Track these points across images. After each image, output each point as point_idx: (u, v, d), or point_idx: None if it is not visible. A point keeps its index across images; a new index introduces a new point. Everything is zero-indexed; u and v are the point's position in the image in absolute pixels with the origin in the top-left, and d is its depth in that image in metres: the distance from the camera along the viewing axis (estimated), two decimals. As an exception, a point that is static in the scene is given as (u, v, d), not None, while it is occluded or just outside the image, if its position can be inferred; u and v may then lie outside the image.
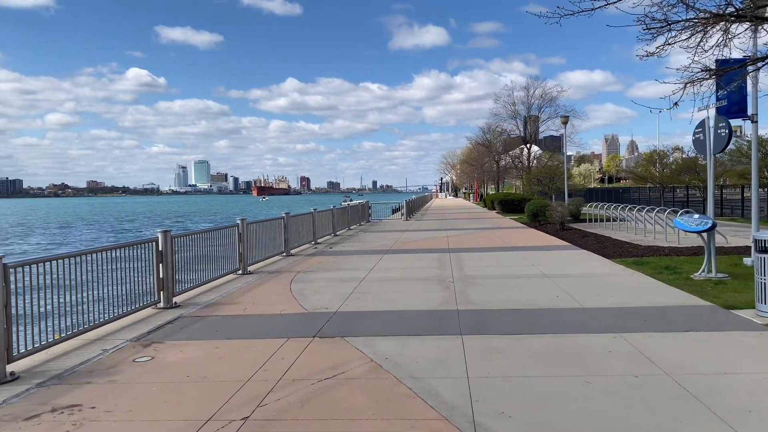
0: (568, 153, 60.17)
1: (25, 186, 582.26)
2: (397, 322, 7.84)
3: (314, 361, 6.06)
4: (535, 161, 54.41)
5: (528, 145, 55.19)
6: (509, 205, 39.53)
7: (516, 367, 5.75)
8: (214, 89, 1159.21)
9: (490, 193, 68.40)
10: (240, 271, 12.51)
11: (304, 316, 8.28)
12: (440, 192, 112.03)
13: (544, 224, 25.41)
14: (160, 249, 9.05)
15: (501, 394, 5.00)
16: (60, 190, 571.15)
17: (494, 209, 44.04)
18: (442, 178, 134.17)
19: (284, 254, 15.79)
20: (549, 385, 5.20)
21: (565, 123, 34.46)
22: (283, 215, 16.09)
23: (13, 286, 5.83)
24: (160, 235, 9.14)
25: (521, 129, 55.76)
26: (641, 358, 5.95)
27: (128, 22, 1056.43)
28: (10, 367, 5.71)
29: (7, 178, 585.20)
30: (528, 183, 47.27)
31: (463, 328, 7.29)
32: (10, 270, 5.78)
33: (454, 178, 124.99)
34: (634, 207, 23.27)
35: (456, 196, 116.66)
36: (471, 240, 19.83)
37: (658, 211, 20.36)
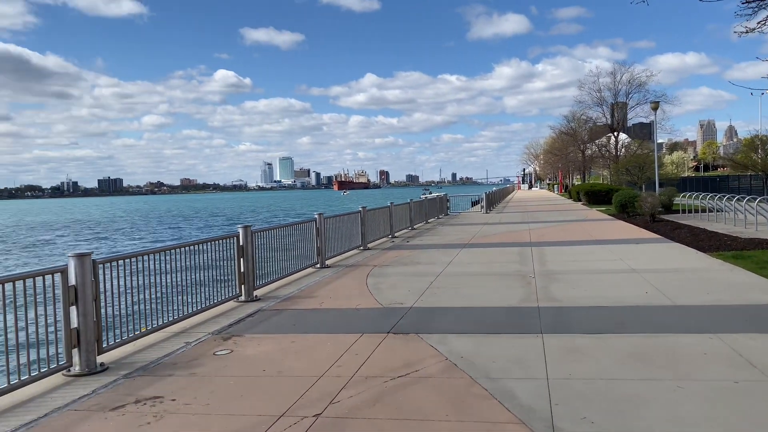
0: (659, 140, 57.14)
1: (125, 184, 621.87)
2: (474, 319, 7.63)
3: (388, 358, 5.98)
4: (623, 150, 52.01)
5: (615, 133, 52.79)
6: (595, 196, 37.98)
7: (600, 368, 5.42)
8: (296, 87, 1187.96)
9: (575, 183, 66.08)
10: (318, 265, 12.67)
11: (379, 311, 8.23)
12: (522, 183, 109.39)
13: (633, 216, 24.20)
14: (240, 244, 9.27)
15: (583, 398, 4.72)
16: (156, 188, 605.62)
17: (579, 200, 42.49)
18: (524, 169, 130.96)
19: (361, 248, 15.86)
20: (636, 389, 4.86)
21: (655, 109, 32.66)
22: (360, 209, 16.16)
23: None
24: (240, 230, 9.36)
25: (608, 116, 53.38)
26: (741, 361, 5.46)
27: (215, 26, 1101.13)
28: (100, 358, 5.99)
29: (109, 177, 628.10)
30: (615, 173, 45.28)
31: (543, 327, 6.99)
32: (99, 265, 6.06)
33: (537, 168, 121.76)
34: (733, 197, 21.67)
35: (539, 187, 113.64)
36: (554, 233, 19.18)
37: (760, 201, 18.85)
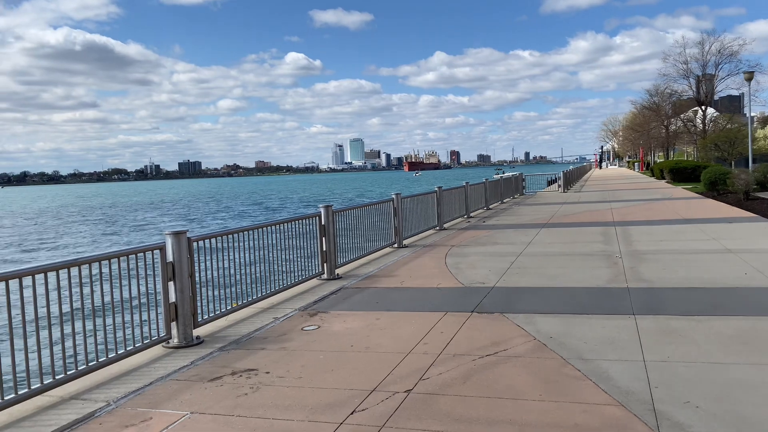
0: (753, 113, 53.51)
1: (203, 167, 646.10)
2: (560, 299, 7.45)
3: (474, 337, 5.93)
4: (711, 124, 49.10)
5: (703, 107, 49.87)
6: (681, 174, 36.12)
7: (700, 352, 5.16)
8: (365, 68, 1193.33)
9: (658, 161, 63.09)
10: (395, 245, 12.72)
11: (460, 291, 8.18)
12: (600, 162, 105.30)
13: (724, 194, 22.85)
14: (322, 223, 9.43)
15: (684, 381, 4.51)
16: (232, 170, 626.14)
17: (663, 178, 40.57)
18: (602, 147, 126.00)
19: (437, 228, 15.79)
20: (742, 374, 4.59)
21: (749, 79, 30.61)
22: (436, 189, 16.06)
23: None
24: (322, 210, 9.51)
25: (694, 89, 50.47)
26: None
27: (285, 9, 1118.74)
28: (195, 332, 6.26)
29: (188, 160, 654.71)
30: (703, 149, 42.88)
31: (635, 307, 6.73)
32: (194, 243, 6.30)
33: (615, 146, 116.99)
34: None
35: (618, 165, 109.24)
36: (638, 212, 18.40)
37: None
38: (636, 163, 79.14)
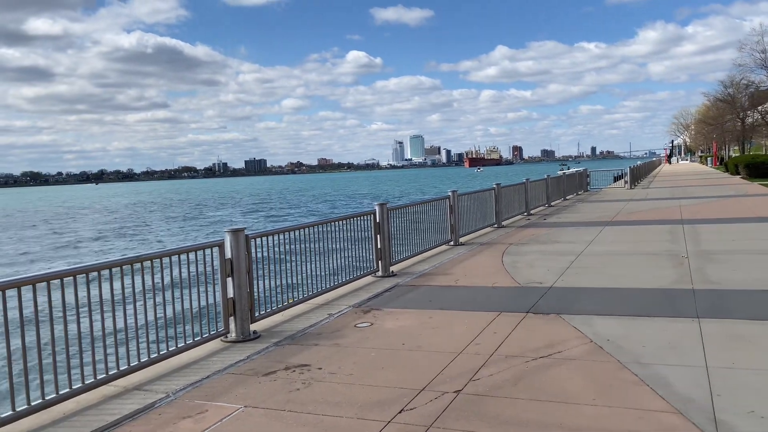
0: (839, 104, 50.08)
1: (268, 165, 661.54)
2: (620, 300, 7.22)
3: (528, 338, 5.83)
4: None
5: (783, 98, 47.01)
6: (758, 169, 34.22)
7: (769, 359, 4.90)
8: (425, 65, 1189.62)
9: (733, 155, 59.98)
10: (451, 243, 12.65)
11: (516, 290, 8.05)
12: (670, 156, 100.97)
13: (805, 190, 21.51)
14: (377, 220, 9.48)
15: (749, 390, 4.29)
16: (296, 168, 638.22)
17: (738, 174, 38.55)
18: (672, 141, 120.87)
19: (495, 226, 15.59)
20: (816, 385, 4.32)
21: (835, 68, 28.56)
22: (494, 186, 15.85)
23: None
24: (377, 208, 9.57)
25: (774, 79, 47.58)
26: None
27: (346, 7, 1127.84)
28: (253, 327, 6.44)
29: (254, 158, 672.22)
30: (783, 142, 40.42)
31: (699, 310, 6.44)
32: (252, 240, 6.48)
33: (687, 140, 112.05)
34: None
35: (690, 160, 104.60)
36: (709, 210, 17.58)
37: None
38: (709, 158, 75.56)
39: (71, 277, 4.64)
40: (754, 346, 5.23)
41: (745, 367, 4.75)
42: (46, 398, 4.36)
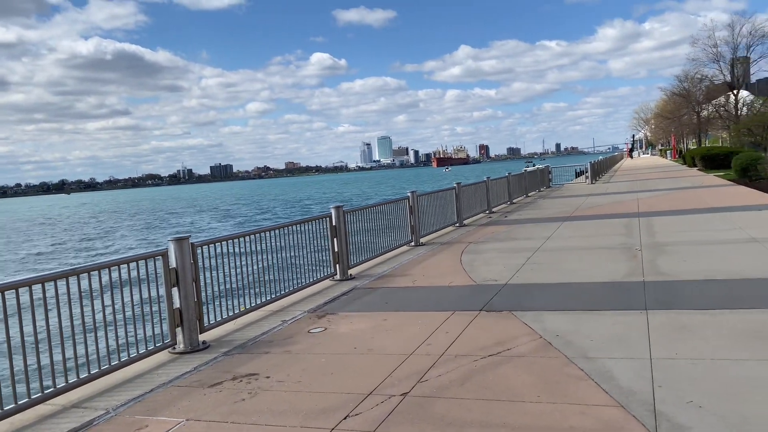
0: (788, 96, 51.75)
1: (234, 170, 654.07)
2: (573, 295, 7.29)
3: (479, 336, 5.83)
4: (744, 109, 47.62)
5: (735, 91, 48.39)
6: (713, 161, 35.15)
7: (710, 348, 4.98)
8: (390, 65, 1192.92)
9: (690, 148, 61.53)
10: (412, 243, 12.63)
11: (472, 289, 8.07)
12: (631, 151, 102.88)
13: (757, 180, 22.14)
14: (333, 224, 9.40)
15: (689, 380, 4.35)
16: (263, 172, 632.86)
17: (695, 166, 39.57)
18: (633, 136, 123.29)
19: (457, 225, 15.65)
20: (751, 371, 4.41)
21: (781, 61, 29.49)
22: (455, 185, 15.91)
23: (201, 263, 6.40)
24: (333, 211, 9.49)
25: (726, 74, 48.99)
26: None
27: (308, 10, 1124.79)
28: (202, 337, 6.30)
29: (219, 164, 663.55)
30: (736, 134, 41.64)
31: (648, 302, 6.54)
32: (198, 248, 6.34)
33: (647, 134, 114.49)
34: None
35: (650, 153, 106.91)
36: (665, 202, 17.95)
37: None
38: (668, 151, 77.38)
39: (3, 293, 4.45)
40: (695, 335, 5.32)
41: (686, 357, 4.82)
42: (-25, 421, 4.18)
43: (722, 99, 50.46)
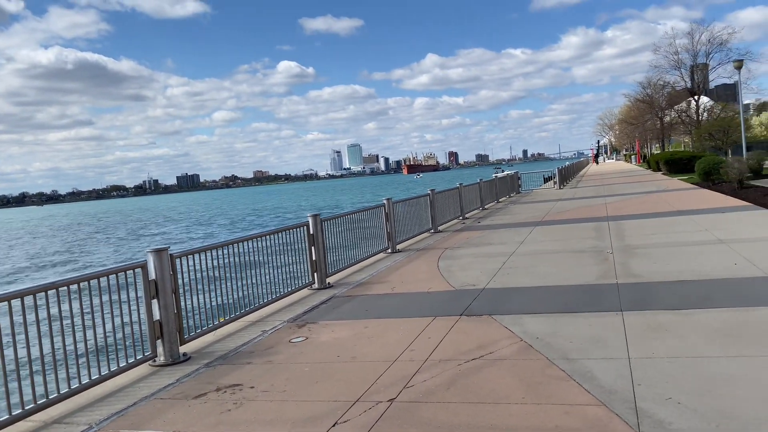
0: (746, 101, 53.56)
1: (201, 180, 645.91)
2: (549, 298, 7.43)
3: (461, 341, 5.91)
4: (705, 114, 49.10)
5: (696, 97, 49.86)
6: (676, 165, 36.09)
7: (685, 346, 5.14)
8: (358, 74, 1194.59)
9: (654, 153, 63.07)
10: (389, 250, 12.69)
11: (451, 294, 8.16)
12: (597, 156, 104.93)
13: (719, 184, 22.81)
14: (311, 232, 9.40)
15: (667, 378, 4.48)
16: (231, 182, 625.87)
17: (659, 170, 40.57)
18: (599, 141, 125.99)
19: (432, 231, 15.78)
20: (726, 368, 4.57)
21: (739, 68, 30.59)
22: (429, 192, 16.05)
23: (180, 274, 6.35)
24: (310, 219, 9.49)
25: (687, 80, 50.47)
26: None
27: (275, 18, 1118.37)
28: (182, 349, 6.24)
29: (186, 173, 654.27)
30: (698, 139, 42.90)
31: (623, 304, 6.71)
32: (177, 259, 6.29)
33: (612, 140, 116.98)
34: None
35: (615, 159, 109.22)
36: (632, 206, 18.38)
37: None
38: (633, 156, 79.19)
39: (-22, 310, 4.37)
40: (671, 334, 5.48)
41: (663, 356, 4.97)
42: (-47, 441, 4.08)
43: (684, 105, 51.94)
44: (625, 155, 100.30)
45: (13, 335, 4.58)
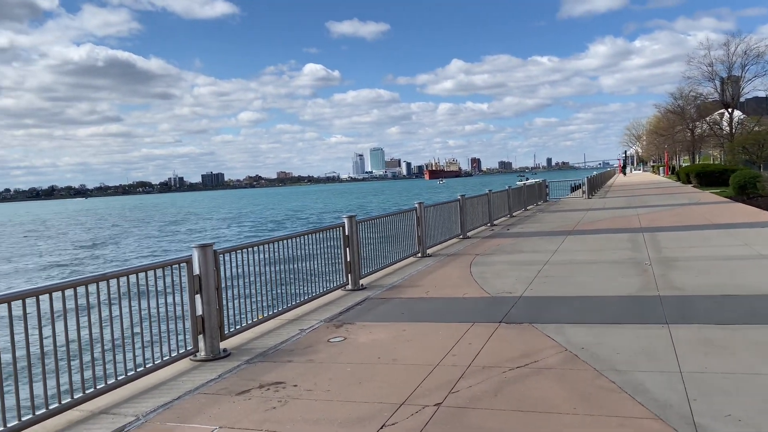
0: (780, 115, 52.44)
1: (226, 179, 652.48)
2: (590, 308, 7.30)
3: (503, 348, 5.83)
4: (738, 127, 48.17)
5: (729, 109, 48.96)
6: (708, 178, 35.47)
7: (739, 362, 5.00)
8: (383, 78, 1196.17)
9: (683, 165, 62.08)
10: (419, 254, 12.64)
11: (487, 300, 8.07)
12: (624, 167, 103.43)
13: (755, 198, 22.35)
14: (346, 233, 9.40)
15: (724, 393, 4.36)
16: (255, 182, 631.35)
17: (689, 183, 39.89)
18: (625, 152, 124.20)
19: (461, 237, 15.68)
20: (786, 386, 4.43)
21: (776, 80, 29.89)
22: (459, 198, 15.96)
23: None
24: (345, 220, 9.49)
25: (720, 92, 49.59)
26: None
27: (302, 21, 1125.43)
28: (222, 344, 6.26)
29: (211, 172, 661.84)
30: (730, 152, 42.06)
31: (668, 317, 6.57)
32: (220, 256, 6.31)
33: (639, 150, 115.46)
34: None
35: (642, 170, 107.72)
36: (666, 218, 18.08)
37: None
38: (661, 168, 78.02)
39: (34, 297, 4.42)
40: (723, 350, 5.34)
41: (717, 371, 4.84)
42: (8, 425, 4.12)
43: (716, 117, 51.06)
44: (652, 166, 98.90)
45: (64, 326, 4.63)
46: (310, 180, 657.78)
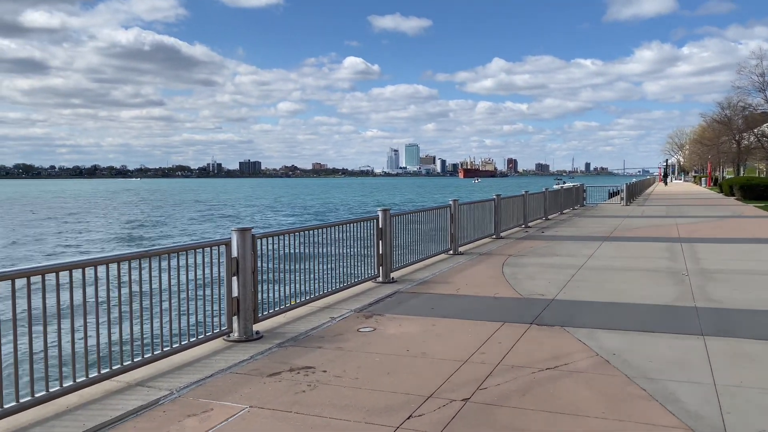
0: (833, 130, 50.58)
1: (262, 167, 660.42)
2: (624, 315, 7.21)
3: (533, 349, 5.81)
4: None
5: (780, 122, 47.42)
6: (753, 191, 34.42)
7: (777, 379, 4.89)
8: (422, 74, 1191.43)
9: (727, 177, 60.41)
10: (451, 252, 12.63)
11: (518, 301, 8.04)
12: (665, 176, 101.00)
13: (800, 214, 21.65)
14: (380, 226, 9.46)
15: (758, 409, 4.28)
16: (290, 171, 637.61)
17: (732, 195, 38.81)
18: (667, 160, 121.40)
19: (494, 236, 15.59)
20: (824, 406, 4.32)
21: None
22: (494, 197, 15.87)
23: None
24: (380, 213, 9.54)
25: (771, 103, 47.99)
26: None
27: (345, 14, 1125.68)
28: (255, 327, 6.38)
29: (248, 160, 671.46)
30: (777, 165, 40.74)
31: (704, 328, 6.45)
32: (258, 240, 6.43)
33: (681, 159, 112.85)
34: None
35: (684, 179, 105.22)
36: (706, 229, 17.66)
37: None
38: (703, 179, 76.06)
39: (80, 270, 4.59)
40: (761, 365, 5.23)
41: (752, 385, 4.74)
42: (50, 391, 4.30)
43: (764, 128, 49.53)
44: (694, 177, 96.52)
45: (107, 300, 4.80)
46: (345, 172, 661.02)
